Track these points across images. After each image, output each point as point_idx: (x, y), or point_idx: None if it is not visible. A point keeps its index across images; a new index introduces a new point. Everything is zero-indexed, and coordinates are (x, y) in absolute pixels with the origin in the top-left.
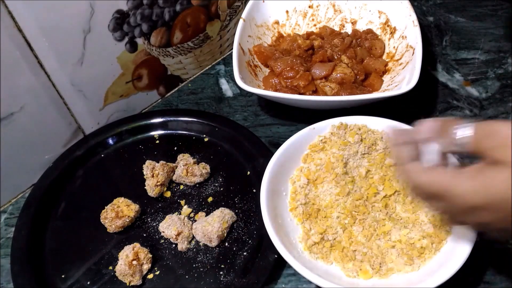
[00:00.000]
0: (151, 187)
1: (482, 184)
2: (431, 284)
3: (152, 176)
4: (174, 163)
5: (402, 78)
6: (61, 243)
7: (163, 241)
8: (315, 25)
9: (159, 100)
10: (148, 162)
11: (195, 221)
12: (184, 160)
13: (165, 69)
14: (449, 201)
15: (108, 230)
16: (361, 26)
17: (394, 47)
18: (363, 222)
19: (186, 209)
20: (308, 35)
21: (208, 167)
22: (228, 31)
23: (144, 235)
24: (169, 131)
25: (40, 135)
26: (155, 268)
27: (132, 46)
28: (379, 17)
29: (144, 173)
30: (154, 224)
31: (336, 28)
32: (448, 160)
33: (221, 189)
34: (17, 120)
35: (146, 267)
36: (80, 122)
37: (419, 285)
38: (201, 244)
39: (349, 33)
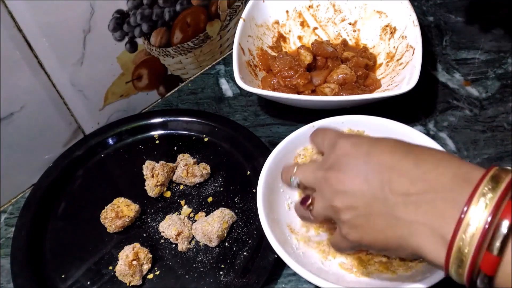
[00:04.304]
0: (151, 187)
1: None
2: (427, 283)
3: (152, 176)
4: (174, 163)
5: (402, 78)
6: (61, 243)
7: (163, 241)
8: (315, 28)
9: (159, 100)
10: (148, 162)
11: (195, 221)
12: (184, 160)
13: (165, 69)
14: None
15: (108, 230)
16: (361, 26)
17: (394, 47)
18: None
19: (186, 209)
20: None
21: (208, 167)
22: (228, 31)
23: (144, 235)
24: (169, 131)
25: (40, 135)
26: (155, 268)
27: (132, 46)
28: (379, 17)
29: (144, 173)
30: (154, 224)
31: (331, 31)
32: None
33: (221, 189)
34: (17, 120)
35: (146, 267)
36: (80, 122)
37: (415, 285)
38: (201, 244)
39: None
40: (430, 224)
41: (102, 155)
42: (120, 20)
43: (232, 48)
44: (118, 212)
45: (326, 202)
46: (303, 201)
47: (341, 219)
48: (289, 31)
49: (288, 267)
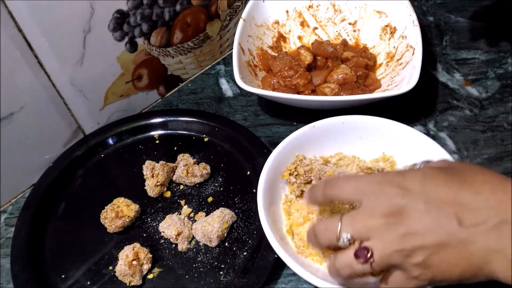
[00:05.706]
0: (151, 187)
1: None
2: None
3: (152, 176)
4: (174, 163)
5: (402, 78)
6: (61, 243)
7: (163, 241)
8: (315, 28)
9: (159, 100)
10: (148, 162)
11: (195, 221)
12: (184, 160)
13: (165, 69)
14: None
15: (108, 230)
16: (361, 26)
17: (394, 47)
18: None
19: (186, 209)
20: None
21: (208, 167)
22: (228, 31)
23: (144, 235)
24: (169, 131)
25: (40, 135)
26: (155, 268)
27: (132, 46)
28: (379, 17)
29: (144, 173)
30: (154, 224)
31: (331, 31)
32: None
33: (221, 189)
34: (17, 120)
35: (146, 267)
36: (80, 122)
37: None
38: (201, 244)
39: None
40: (502, 250)
41: (102, 155)
42: (120, 20)
43: (232, 48)
44: (118, 212)
45: (390, 248)
46: (359, 255)
47: (412, 262)
48: (289, 31)
49: (288, 267)
